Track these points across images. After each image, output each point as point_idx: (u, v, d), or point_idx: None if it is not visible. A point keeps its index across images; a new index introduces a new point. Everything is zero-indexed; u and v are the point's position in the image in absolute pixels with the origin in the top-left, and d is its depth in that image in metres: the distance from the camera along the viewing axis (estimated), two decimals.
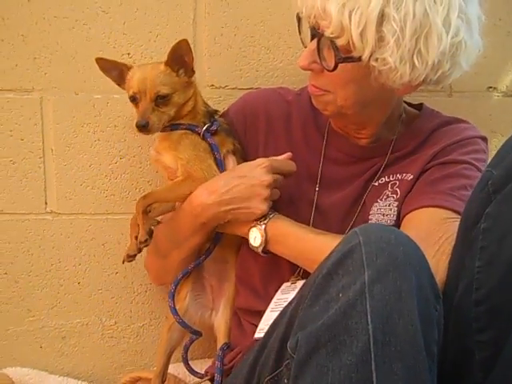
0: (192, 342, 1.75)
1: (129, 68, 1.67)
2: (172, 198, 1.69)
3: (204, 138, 1.65)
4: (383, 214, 1.60)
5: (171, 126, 1.66)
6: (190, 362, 1.77)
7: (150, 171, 1.94)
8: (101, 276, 1.98)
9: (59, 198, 1.93)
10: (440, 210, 1.49)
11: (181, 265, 1.71)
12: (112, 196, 1.95)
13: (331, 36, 1.45)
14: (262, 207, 1.56)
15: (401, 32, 1.40)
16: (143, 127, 1.58)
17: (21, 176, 1.91)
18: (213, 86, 1.93)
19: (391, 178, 1.64)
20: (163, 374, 1.79)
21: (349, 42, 1.44)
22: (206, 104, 1.74)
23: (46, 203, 1.93)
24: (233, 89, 1.94)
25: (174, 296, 1.68)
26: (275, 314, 1.42)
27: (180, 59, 1.62)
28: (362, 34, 1.42)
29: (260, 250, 1.56)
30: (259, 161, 1.60)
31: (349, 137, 1.71)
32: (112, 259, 1.97)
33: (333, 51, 1.47)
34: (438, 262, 1.38)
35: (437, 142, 1.63)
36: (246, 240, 1.61)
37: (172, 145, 1.65)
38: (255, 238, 1.55)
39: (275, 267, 1.62)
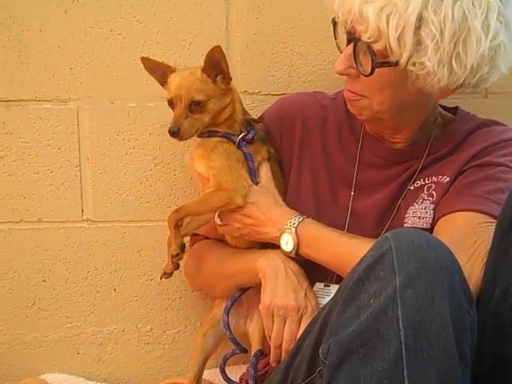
0: (233, 354, 1.74)
1: (172, 71, 1.67)
2: (203, 211, 1.67)
3: (239, 147, 1.65)
4: (419, 217, 1.58)
5: (208, 133, 1.66)
6: (226, 371, 1.77)
7: (185, 178, 1.95)
8: (136, 283, 2.00)
9: (95, 206, 1.96)
10: (476, 214, 1.47)
11: (227, 292, 1.73)
12: (147, 203, 1.97)
13: (368, 41, 1.43)
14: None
15: (440, 35, 1.38)
16: (174, 133, 1.59)
17: (58, 185, 1.95)
18: (246, 92, 1.94)
19: (427, 181, 1.62)
20: (198, 381, 1.79)
21: (386, 47, 1.42)
22: (245, 112, 1.73)
23: (82, 211, 1.96)
24: (266, 95, 1.94)
25: (229, 312, 1.68)
26: None
27: (216, 66, 1.62)
28: (399, 39, 1.40)
29: (293, 254, 1.55)
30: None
31: (384, 140, 1.69)
32: (147, 266, 1.99)
33: (369, 56, 1.45)
34: (473, 267, 1.36)
35: (473, 144, 1.60)
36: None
37: (205, 153, 1.65)
38: (287, 242, 1.54)
39: (308, 270, 1.61)
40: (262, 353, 1.68)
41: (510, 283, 1.23)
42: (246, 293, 1.73)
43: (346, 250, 1.47)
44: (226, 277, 1.69)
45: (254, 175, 1.66)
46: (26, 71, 1.90)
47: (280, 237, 1.56)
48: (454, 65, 1.41)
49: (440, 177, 1.60)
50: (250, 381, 1.61)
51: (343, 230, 1.61)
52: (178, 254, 1.61)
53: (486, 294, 1.30)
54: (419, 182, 1.62)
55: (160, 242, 1.95)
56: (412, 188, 1.62)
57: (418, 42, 1.41)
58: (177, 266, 1.65)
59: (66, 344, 2.01)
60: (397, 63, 1.43)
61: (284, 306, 1.51)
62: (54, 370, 2.00)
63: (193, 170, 1.71)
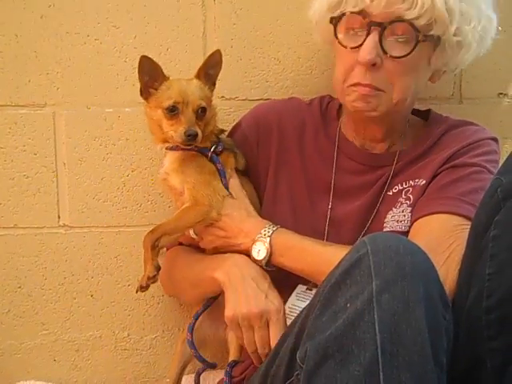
0: (205, 369, 1.73)
1: (165, 79, 1.63)
2: (180, 228, 1.65)
3: (212, 161, 1.64)
4: (397, 221, 1.58)
5: (182, 146, 1.62)
6: (201, 376, 1.75)
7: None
8: (113, 289, 1.97)
9: (72, 212, 1.93)
10: (450, 217, 1.47)
11: (196, 300, 1.72)
12: (124, 209, 1.95)
13: (412, 17, 1.46)
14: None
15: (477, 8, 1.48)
16: (192, 136, 1.56)
17: (34, 190, 1.92)
18: (223, 97, 1.92)
19: (404, 186, 1.62)
20: None
21: (431, 21, 1.47)
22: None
23: (58, 217, 1.93)
24: (243, 100, 1.93)
25: (192, 329, 1.65)
26: (288, 321, 1.42)
27: (209, 72, 1.63)
28: (447, 9, 1.45)
29: (263, 263, 1.54)
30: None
31: (363, 144, 1.69)
32: (125, 272, 1.97)
33: (413, 32, 1.47)
34: (448, 270, 1.36)
35: (447, 146, 1.61)
36: None
37: (180, 167, 1.63)
38: (259, 251, 1.53)
39: (286, 275, 1.59)
40: (237, 363, 1.66)
41: (483, 286, 1.23)
42: (212, 305, 1.70)
43: (321, 257, 1.46)
44: (193, 285, 1.68)
45: (226, 188, 1.65)
46: (2, 76, 1.88)
47: (252, 245, 1.54)
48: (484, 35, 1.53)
49: (417, 180, 1.60)
50: None
51: (322, 237, 1.61)
52: (154, 276, 1.58)
53: (460, 297, 1.30)
54: (397, 187, 1.62)
55: (137, 248, 1.92)
56: (390, 193, 1.62)
57: (461, 12, 1.47)
58: (147, 285, 1.61)
59: (42, 351, 1.98)
60: (439, 38, 1.50)
61: (247, 315, 1.49)
62: (29, 377, 1.96)
63: (165, 184, 1.69)
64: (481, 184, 1.50)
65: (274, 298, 1.51)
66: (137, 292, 1.62)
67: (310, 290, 1.55)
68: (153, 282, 1.59)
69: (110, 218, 1.95)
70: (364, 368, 1.09)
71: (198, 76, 1.64)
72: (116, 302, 1.98)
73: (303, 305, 1.49)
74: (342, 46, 1.57)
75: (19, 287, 1.95)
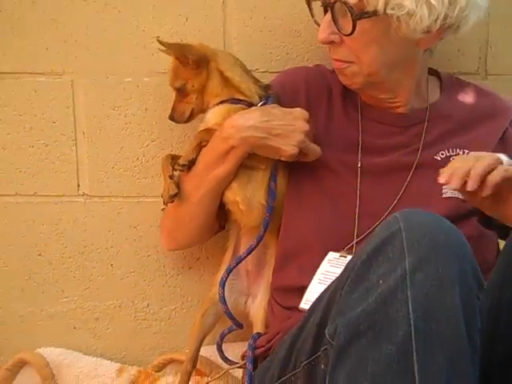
0: (230, 331, 1.70)
1: None
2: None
3: None
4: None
5: (231, 101, 1.63)
6: (222, 348, 1.72)
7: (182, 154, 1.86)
8: (133, 259, 1.94)
9: (91, 181, 1.89)
10: None
11: (199, 210, 1.65)
12: (144, 179, 1.90)
13: None
14: (293, 149, 1.54)
15: None
16: (172, 119, 1.68)
17: (53, 159, 1.87)
18: None
19: (451, 153, 1.59)
20: (195, 359, 1.74)
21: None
22: (249, 79, 1.68)
23: (78, 186, 1.89)
24: (263, 72, 1.86)
25: (225, 284, 1.63)
26: (323, 287, 1.38)
27: (182, 53, 1.63)
28: None
29: None
30: (299, 109, 1.58)
31: (384, 108, 1.65)
32: (144, 242, 1.93)
33: (348, 12, 1.45)
34: None
35: (492, 117, 1.61)
36: (291, 211, 1.60)
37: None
38: None
39: (327, 236, 1.57)
40: (260, 335, 1.63)
41: None
42: (247, 267, 1.69)
43: None
44: (199, 174, 1.61)
45: None
46: (20, 44, 1.81)
47: None
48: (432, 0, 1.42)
49: (466, 151, 1.58)
50: (248, 363, 1.55)
51: (355, 189, 1.58)
52: (175, 194, 1.62)
53: (503, 278, 1.25)
54: (444, 153, 1.59)
55: (156, 218, 1.88)
56: (439, 158, 1.58)
57: None
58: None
59: (62, 318, 1.95)
60: (375, 12, 1.44)
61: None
62: (50, 344, 1.93)
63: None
64: None
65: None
66: (166, 204, 1.65)
67: (345, 256, 1.52)
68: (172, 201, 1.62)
69: (130, 187, 1.90)
70: (397, 346, 1.05)
71: (176, 57, 1.65)
72: (135, 272, 1.94)
73: (338, 271, 1.44)
74: (317, 25, 1.58)
75: (39, 255, 1.92)
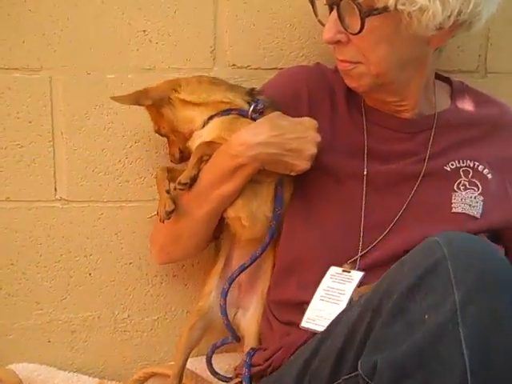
0: (224, 344, 1.84)
1: None
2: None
3: (253, 120, 1.74)
4: (469, 205, 1.68)
5: (221, 113, 1.75)
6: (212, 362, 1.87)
7: (167, 156, 1.97)
8: (113, 267, 2.05)
9: (69, 185, 1.99)
10: None
11: (200, 227, 1.77)
12: (126, 182, 2.02)
13: None
14: (306, 164, 1.66)
15: None
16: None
17: (29, 161, 1.96)
18: (234, 65, 2.00)
19: (461, 164, 1.73)
20: (181, 375, 1.87)
21: None
22: (233, 86, 1.83)
23: (55, 190, 1.99)
24: (255, 69, 2.00)
25: (227, 295, 1.76)
26: (326, 305, 1.52)
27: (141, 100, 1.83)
28: None
29: None
30: (308, 118, 1.69)
31: (390, 112, 1.78)
32: (126, 249, 2.05)
33: (356, 10, 1.55)
34: None
35: (507, 127, 1.77)
36: (294, 222, 1.73)
37: (223, 133, 1.74)
38: None
39: (331, 249, 1.68)
40: (256, 351, 1.76)
41: None
42: (239, 279, 1.83)
43: None
44: (202, 192, 1.72)
45: None
46: None
47: None
48: None
49: (476, 164, 1.73)
50: (244, 382, 1.68)
51: (360, 199, 1.71)
52: (172, 211, 1.74)
53: None
54: (454, 164, 1.73)
55: (139, 224, 2.02)
56: (448, 169, 1.72)
57: None
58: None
59: (36, 332, 2.06)
60: (385, 8, 1.53)
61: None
62: (23, 359, 2.04)
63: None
64: None
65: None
66: (162, 221, 1.75)
67: (348, 271, 1.64)
68: (168, 218, 1.72)
69: (111, 191, 2.01)
70: None
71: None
72: (116, 281, 2.06)
73: (341, 287, 1.59)
74: (321, 24, 1.70)
75: (12, 264, 2.02)
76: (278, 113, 1.71)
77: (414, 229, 1.67)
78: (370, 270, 1.63)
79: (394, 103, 1.76)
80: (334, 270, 1.66)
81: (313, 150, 1.65)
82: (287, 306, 1.73)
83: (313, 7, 1.72)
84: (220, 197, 1.71)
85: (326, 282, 1.66)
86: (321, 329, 1.56)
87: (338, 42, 1.65)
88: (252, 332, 1.83)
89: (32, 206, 2.01)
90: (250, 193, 1.74)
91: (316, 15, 1.72)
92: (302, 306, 1.67)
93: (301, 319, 1.65)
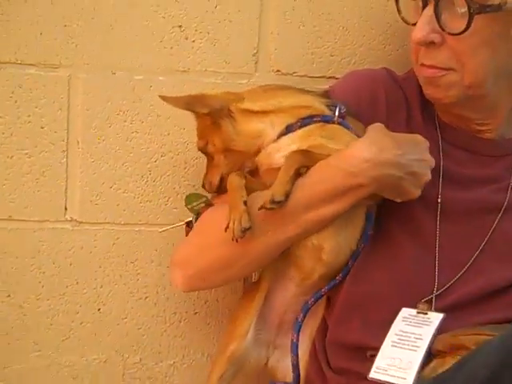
0: None
1: None
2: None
3: (342, 125, 1.77)
4: None
5: (300, 122, 1.77)
6: None
7: (197, 173, 2.03)
8: (126, 302, 2.07)
9: (82, 203, 2.01)
10: None
11: (267, 255, 1.76)
12: (148, 202, 2.05)
13: None
14: (418, 192, 1.71)
15: None
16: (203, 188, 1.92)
17: (37, 173, 1.97)
18: (278, 71, 2.09)
19: None
20: None
21: None
22: (305, 90, 1.88)
23: (65, 208, 2.01)
24: (301, 76, 2.09)
25: (300, 328, 1.79)
26: (400, 351, 1.58)
27: (194, 108, 1.84)
28: None
29: None
30: (420, 136, 1.74)
31: (469, 131, 1.85)
32: (142, 281, 2.07)
33: (458, 7, 1.61)
34: None
35: None
36: (364, 254, 1.77)
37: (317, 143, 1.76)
38: None
39: (401, 286, 1.74)
40: None
41: None
42: (279, 314, 1.89)
43: None
44: (293, 212, 1.70)
45: None
46: (6, 27, 1.91)
47: None
48: None
49: None
50: None
51: (434, 230, 1.77)
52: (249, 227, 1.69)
53: None
54: None
55: (160, 252, 2.06)
56: None
57: None
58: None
59: (32, 378, 2.06)
60: (499, 6, 1.59)
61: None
62: None
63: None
64: None
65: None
66: (236, 240, 1.69)
67: (424, 313, 1.70)
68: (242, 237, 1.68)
69: (130, 213, 2.04)
70: None
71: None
72: (128, 318, 2.08)
73: (417, 330, 1.65)
74: (405, 22, 1.77)
75: (8, 296, 2.02)
76: (381, 125, 1.74)
77: (495, 269, 1.76)
78: (447, 313, 1.69)
79: (476, 121, 1.84)
80: (406, 312, 1.71)
81: (428, 175, 1.71)
82: (348, 349, 1.77)
83: (397, 3, 1.79)
84: (313, 221, 1.72)
85: (398, 325, 1.70)
86: (394, 381, 1.61)
87: (429, 44, 1.70)
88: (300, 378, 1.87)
89: (37, 227, 2.02)
90: (341, 221, 1.76)
91: (399, 12, 1.79)
92: (364, 351, 1.72)
93: (362, 368, 1.68)
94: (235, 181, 1.74)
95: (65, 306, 2.07)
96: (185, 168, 2.06)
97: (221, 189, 1.84)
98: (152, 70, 2.01)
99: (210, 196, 1.92)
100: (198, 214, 1.92)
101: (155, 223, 2.07)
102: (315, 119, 1.77)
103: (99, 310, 2.09)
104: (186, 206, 1.94)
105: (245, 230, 1.68)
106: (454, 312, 1.69)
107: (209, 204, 1.91)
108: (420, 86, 1.86)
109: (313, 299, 1.81)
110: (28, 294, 2.04)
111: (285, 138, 1.77)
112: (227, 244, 1.72)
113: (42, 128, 1.98)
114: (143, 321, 2.11)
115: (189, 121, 1.90)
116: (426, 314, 1.70)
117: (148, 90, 2.02)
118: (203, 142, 1.86)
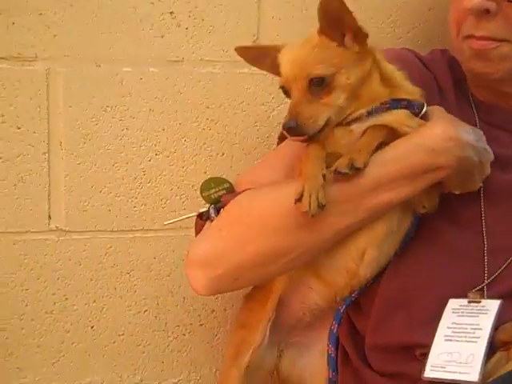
0: None
1: (279, 50, 1.64)
2: None
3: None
4: None
5: (390, 103, 1.63)
6: None
7: (197, 172, 1.94)
8: (123, 316, 1.97)
9: (69, 210, 1.91)
10: None
11: (317, 248, 1.66)
12: (143, 206, 1.95)
13: None
14: (479, 183, 1.66)
15: None
16: (291, 129, 1.53)
17: (15, 180, 1.88)
18: None
19: None
20: None
21: None
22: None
23: (49, 217, 1.91)
24: None
25: (338, 335, 1.77)
26: (456, 345, 1.49)
27: (340, 21, 1.57)
28: None
29: None
30: (478, 129, 1.67)
31: (508, 107, 1.79)
32: (140, 292, 1.97)
33: None
34: None
35: None
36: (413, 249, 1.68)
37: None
38: None
39: (447, 278, 1.66)
40: None
41: None
42: (304, 318, 1.80)
43: None
44: (357, 195, 1.60)
45: None
46: None
47: None
48: None
49: None
50: None
51: (479, 211, 1.70)
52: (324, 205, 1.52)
53: None
54: None
55: (158, 260, 1.96)
56: None
57: None
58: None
59: None
60: None
61: None
62: None
63: None
64: None
65: None
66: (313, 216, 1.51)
67: (478, 301, 1.60)
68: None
69: (123, 218, 1.95)
70: None
71: (321, 30, 1.60)
72: (126, 334, 1.98)
73: (474, 321, 1.56)
74: None
75: None
76: (441, 107, 1.69)
77: None
78: (503, 299, 1.62)
79: None
80: (456, 303, 1.62)
81: (489, 168, 1.65)
82: (392, 351, 1.69)
83: None
84: (381, 206, 1.62)
85: (449, 317, 1.61)
86: (456, 377, 1.52)
87: (482, 13, 1.62)
88: (321, 378, 1.79)
89: (18, 238, 1.91)
90: (393, 223, 1.68)
91: None
92: (411, 350, 1.64)
93: (411, 369, 1.60)
94: (314, 151, 1.58)
95: (53, 325, 1.96)
96: (183, 167, 1.97)
97: (320, 133, 1.57)
98: (142, 61, 1.92)
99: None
100: (216, 203, 1.73)
101: (151, 229, 1.98)
102: (402, 104, 1.64)
103: (92, 327, 1.98)
104: (201, 193, 1.74)
105: (322, 207, 1.50)
106: (510, 299, 1.62)
107: (231, 191, 1.74)
108: (449, 66, 1.83)
109: (344, 306, 1.77)
110: (10, 314, 1.94)
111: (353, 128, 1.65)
112: (280, 232, 1.64)
113: (19, 128, 1.89)
114: (142, 337, 2.01)
115: (185, 115, 1.84)
116: (480, 302, 1.61)
117: (138, 82, 1.92)
118: (330, 70, 1.57)
